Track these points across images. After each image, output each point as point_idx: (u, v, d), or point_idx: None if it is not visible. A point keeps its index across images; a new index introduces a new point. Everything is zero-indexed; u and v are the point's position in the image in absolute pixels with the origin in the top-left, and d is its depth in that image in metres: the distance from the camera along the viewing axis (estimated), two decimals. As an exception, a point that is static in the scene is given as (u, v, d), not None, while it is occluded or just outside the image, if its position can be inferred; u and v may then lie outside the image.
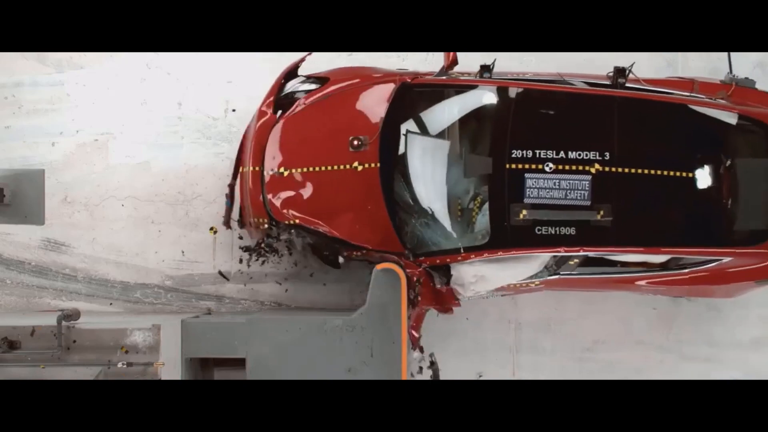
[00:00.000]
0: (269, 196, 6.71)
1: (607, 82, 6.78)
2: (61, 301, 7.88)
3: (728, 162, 6.51)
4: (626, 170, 6.43)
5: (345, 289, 7.75)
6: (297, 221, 6.67)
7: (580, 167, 6.42)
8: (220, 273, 7.84)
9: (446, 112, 6.71)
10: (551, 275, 6.66)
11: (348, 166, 6.62)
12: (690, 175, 6.50)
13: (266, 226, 6.79)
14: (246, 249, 7.33)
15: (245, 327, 6.51)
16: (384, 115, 6.63)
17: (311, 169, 6.68)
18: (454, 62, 6.82)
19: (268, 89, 7.04)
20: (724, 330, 7.88)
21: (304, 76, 7.12)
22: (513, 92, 6.60)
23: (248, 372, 6.45)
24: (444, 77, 6.82)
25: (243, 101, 7.71)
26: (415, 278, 6.50)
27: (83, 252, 7.92)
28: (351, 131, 6.66)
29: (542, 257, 6.52)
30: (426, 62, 7.56)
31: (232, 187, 7.20)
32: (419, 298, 6.55)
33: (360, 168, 6.60)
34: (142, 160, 7.95)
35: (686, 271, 6.70)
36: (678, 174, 6.48)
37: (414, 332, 6.79)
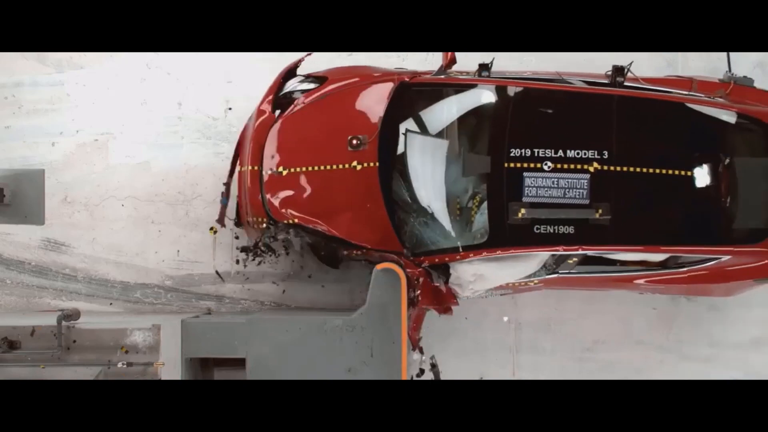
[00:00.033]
0: (268, 196, 6.71)
1: (606, 81, 6.78)
2: (61, 301, 7.88)
3: (727, 160, 6.52)
4: (625, 169, 6.43)
5: (345, 289, 7.75)
6: (296, 220, 6.67)
7: (579, 166, 6.42)
8: (217, 273, 7.84)
9: (445, 111, 6.71)
10: (550, 274, 6.66)
11: (347, 166, 6.62)
12: (688, 173, 6.50)
13: (265, 225, 6.79)
14: (243, 249, 7.34)
15: (245, 327, 6.51)
16: (383, 114, 6.64)
17: (310, 168, 6.68)
18: (453, 61, 6.82)
19: (267, 88, 7.04)
20: (724, 330, 7.88)
21: (303, 76, 7.12)
22: (511, 91, 6.60)
23: (248, 372, 6.45)
24: (442, 76, 6.82)
25: (242, 101, 7.71)
26: (414, 278, 6.50)
27: (83, 252, 7.92)
28: (350, 130, 6.66)
29: (541, 256, 6.52)
30: (426, 62, 7.56)
31: (227, 185, 7.21)
32: (420, 298, 6.55)
33: (359, 167, 6.60)
34: (142, 160, 7.95)
35: (685, 269, 6.70)
36: (676, 173, 6.48)
37: (414, 333, 6.79)
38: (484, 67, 6.76)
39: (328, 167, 6.65)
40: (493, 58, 6.79)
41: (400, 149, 6.67)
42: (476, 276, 6.53)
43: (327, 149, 6.70)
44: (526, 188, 6.42)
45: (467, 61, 6.89)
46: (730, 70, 7.17)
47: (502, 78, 6.75)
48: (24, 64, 8.00)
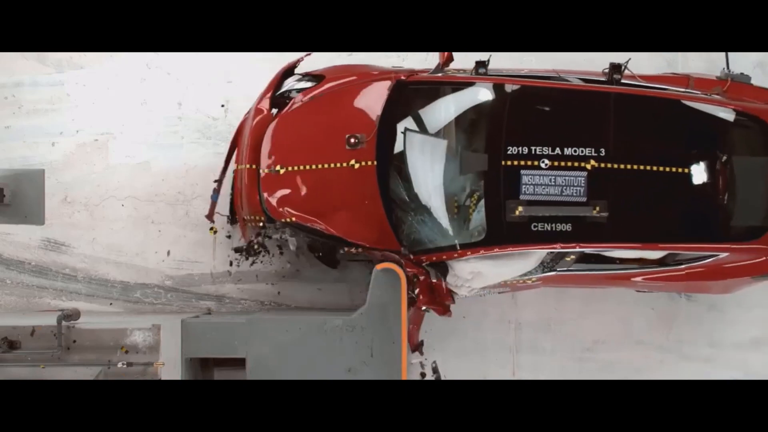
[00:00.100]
0: (265, 194, 6.71)
1: (603, 79, 6.79)
2: (61, 301, 7.88)
3: (724, 158, 6.52)
4: (622, 166, 6.43)
5: (342, 290, 7.75)
6: (293, 219, 6.66)
7: (576, 163, 6.42)
8: (212, 275, 7.80)
9: (442, 110, 6.71)
10: (548, 272, 6.67)
11: (344, 164, 6.62)
12: (686, 171, 6.50)
13: (262, 224, 6.79)
14: (237, 250, 7.34)
15: (245, 327, 6.51)
16: (380, 112, 6.64)
17: (307, 166, 6.68)
18: (450, 59, 6.83)
19: (265, 87, 7.04)
20: (724, 330, 7.88)
21: (300, 74, 7.12)
22: (508, 89, 6.60)
23: (248, 372, 6.45)
24: (439, 74, 6.82)
25: (242, 101, 7.71)
26: (414, 276, 6.50)
27: (83, 252, 7.92)
28: (347, 129, 6.66)
29: (538, 254, 6.53)
30: (426, 62, 7.56)
31: (219, 181, 7.20)
32: (420, 297, 6.55)
33: (357, 166, 6.60)
34: (142, 160, 7.95)
35: (682, 267, 6.71)
36: (674, 170, 6.48)
37: (414, 335, 6.79)
38: (481, 65, 6.77)
39: (326, 166, 6.65)
40: (490, 56, 6.78)
41: (398, 147, 6.67)
42: (474, 274, 6.53)
43: (325, 148, 6.70)
44: (524, 186, 6.42)
45: (465, 60, 6.89)
46: (728, 67, 7.17)
47: (499, 76, 6.75)
48: (24, 64, 8.00)
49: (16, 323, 6.68)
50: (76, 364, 6.54)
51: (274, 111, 6.91)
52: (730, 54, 7.24)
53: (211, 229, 7.82)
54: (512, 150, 6.44)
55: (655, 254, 6.67)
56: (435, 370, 6.88)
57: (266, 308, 7.85)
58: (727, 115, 6.62)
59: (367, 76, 6.89)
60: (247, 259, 7.35)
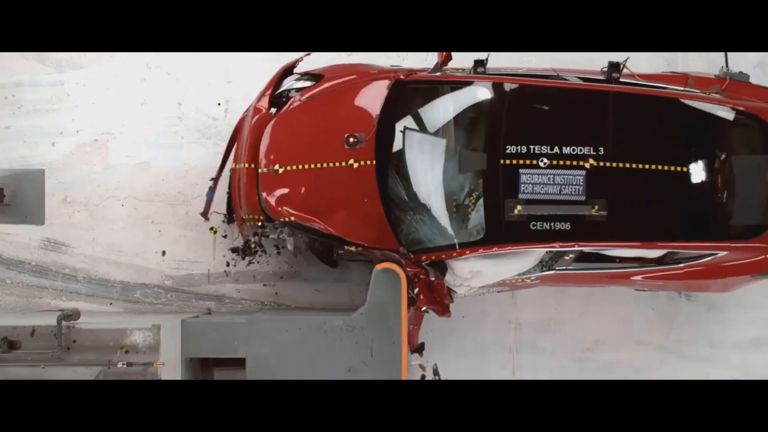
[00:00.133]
0: (264, 194, 6.71)
1: (601, 77, 6.78)
2: (61, 301, 7.88)
3: (723, 156, 6.52)
4: (621, 165, 6.44)
5: (341, 290, 7.75)
6: (292, 218, 6.66)
7: (575, 162, 6.42)
8: (208, 273, 7.81)
9: (441, 109, 6.71)
10: (546, 271, 6.67)
11: (343, 164, 6.62)
12: (685, 169, 6.50)
13: (260, 223, 6.79)
14: (233, 250, 7.33)
15: (245, 327, 6.51)
16: (379, 112, 6.64)
17: (306, 166, 6.68)
18: (448, 58, 6.83)
19: (264, 86, 7.04)
20: (724, 330, 7.88)
21: (299, 74, 7.13)
22: (507, 88, 6.60)
23: (248, 372, 6.45)
24: (438, 73, 6.83)
25: (242, 101, 7.71)
26: (413, 275, 6.50)
27: (83, 252, 7.92)
28: (346, 128, 6.66)
29: (537, 252, 6.53)
30: (426, 62, 7.56)
31: (216, 179, 7.20)
32: (420, 296, 6.55)
33: (356, 165, 6.61)
34: (142, 160, 7.96)
35: (681, 265, 6.71)
36: (672, 168, 6.48)
37: (414, 337, 6.79)
38: (479, 64, 6.77)
39: (325, 165, 6.65)
40: (488, 55, 6.78)
41: (397, 147, 6.67)
42: (473, 273, 6.53)
43: (323, 147, 6.70)
44: (522, 185, 6.42)
45: (464, 59, 6.89)
46: (727, 66, 7.17)
47: (497, 75, 6.75)
48: (24, 64, 8.00)
49: (16, 323, 6.68)
50: (76, 364, 6.54)
51: (273, 110, 6.90)
52: (731, 54, 7.24)
53: (211, 229, 7.82)
54: (511, 149, 6.44)
55: (654, 253, 6.67)
56: (436, 373, 6.88)
57: (266, 308, 7.86)
58: (726, 113, 6.62)
59: (365, 75, 6.89)
60: (243, 259, 7.35)
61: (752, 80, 7.07)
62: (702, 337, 7.87)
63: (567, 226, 6.41)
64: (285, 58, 7.16)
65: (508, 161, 6.44)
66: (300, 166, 6.69)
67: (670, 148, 6.55)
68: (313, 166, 6.67)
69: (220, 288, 7.90)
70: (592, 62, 7.13)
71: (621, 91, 6.61)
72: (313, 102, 6.82)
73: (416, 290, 6.55)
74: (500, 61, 6.91)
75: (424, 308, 6.77)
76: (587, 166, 6.43)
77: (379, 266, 6.44)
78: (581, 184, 6.41)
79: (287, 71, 7.12)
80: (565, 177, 6.41)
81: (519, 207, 6.40)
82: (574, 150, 6.43)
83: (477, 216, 6.55)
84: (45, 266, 7.93)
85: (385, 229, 6.54)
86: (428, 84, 6.78)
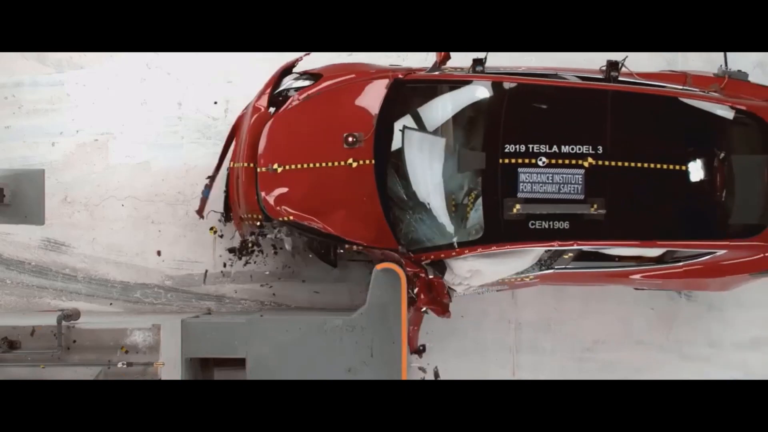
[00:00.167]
0: (263, 193, 6.71)
1: (600, 76, 6.79)
2: (61, 301, 7.88)
3: (722, 155, 6.52)
4: (619, 164, 6.44)
5: (341, 290, 7.75)
6: (291, 218, 6.66)
7: (573, 161, 6.43)
8: (205, 274, 7.82)
9: (440, 108, 6.71)
10: (545, 269, 6.67)
11: (342, 163, 6.62)
12: (683, 168, 6.50)
13: (259, 222, 6.79)
14: (231, 250, 7.32)
15: (245, 327, 6.51)
16: (378, 111, 6.64)
17: (305, 165, 6.68)
18: (447, 58, 6.84)
19: (263, 85, 7.04)
20: (724, 330, 7.88)
21: (298, 73, 7.13)
22: (506, 87, 6.61)
23: (248, 372, 6.45)
24: (437, 72, 6.83)
25: (242, 101, 7.71)
26: (413, 275, 6.50)
27: (83, 252, 7.92)
28: (345, 128, 6.67)
29: (536, 251, 6.53)
30: (425, 61, 7.56)
31: (212, 178, 7.21)
32: (420, 296, 6.55)
33: (354, 164, 6.61)
34: (142, 160, 7.96)
35: (681, 264, 6.70)
36: (671, 167, 6.48)
37: (413, 337, 6.78)
38: (478, 63, 6.77)
39: (324, 164, 6.66)
40: (486, 55, 6.78)
41: (396, 146, 6.67)
42: (472, 272, 6.53)
43: (322, 146, 6.70)
44: (521, 184, 6.43)
45: (463, 58, 6.89)
46: (726, 65, 7.17)
47: (496, 74, 6.75)
48: (24, 64, 8.00)
49: (16, 323, 6.68)
50: (76, 364, 6.54)
51: (272, 109, 6.90)
52: (731, 54, 7.24)
53: (211, 228, 7.82)
54: (510, 148, 6.45)
55: (653, 252, 6.67)
56: (436, 375, 6.88)
57: (266, 308, 7.85)
58: (725, 112, 6.62)
59: (364, 74, 6.90)
60: (240, 259, 7.35)
61: (751, 80, 7.06)
62: (702, 337, 7.87)
63: (566, 225, 6.42)
64: (285, 58, 7.16)
65: (506, 160, 6.44)
66: (299, 166, 6.69)
67: (669, 147, 6.56)
68: (312, 165, 6.68)
69: (220, 288, 7.90)
70: (591, 62, 7.12)
71: (620, 89, 6.62)
72: (312, 101, 6.82)
73: (416, 290, 6.55)
74: (498, 59, 6.91)
75: (423, 309, 6.76)
76: (586, 164, 6.43)
77: (379, 266, 6.44)
78: (580, 182, 6.42)
79: (286, 70, 7.12)
80: (564, 176, 6.42)
81: (518, 206, 6.41)
82: (572, 149, 6.44)
83: (476, 215, 6.55)
84: (45, 266, 7.93)
85: (384, 228, 6.54)
86: (427, 83, 6.78)
